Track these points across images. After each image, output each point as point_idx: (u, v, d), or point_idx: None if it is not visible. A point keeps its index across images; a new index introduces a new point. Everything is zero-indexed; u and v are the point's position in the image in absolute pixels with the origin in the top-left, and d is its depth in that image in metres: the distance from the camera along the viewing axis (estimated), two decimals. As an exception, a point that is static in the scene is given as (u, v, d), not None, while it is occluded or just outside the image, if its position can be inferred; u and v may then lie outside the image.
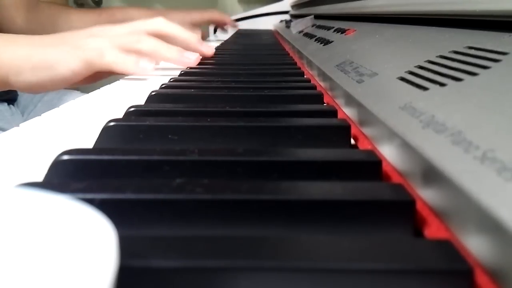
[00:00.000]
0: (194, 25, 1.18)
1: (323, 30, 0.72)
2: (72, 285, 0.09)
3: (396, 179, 0.21)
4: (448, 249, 0.14)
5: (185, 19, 1.18)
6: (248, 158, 0.21)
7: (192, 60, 0.57)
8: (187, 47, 0.61)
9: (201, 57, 0.61)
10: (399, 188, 0.18)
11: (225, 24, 1.39)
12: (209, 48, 0.65)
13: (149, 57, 0.54)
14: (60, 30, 0.63)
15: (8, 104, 0.93)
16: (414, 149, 0.19)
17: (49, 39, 0.54)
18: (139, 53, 0.54)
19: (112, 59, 0.51)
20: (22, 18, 0.97)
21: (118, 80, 0.53)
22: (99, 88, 0.47)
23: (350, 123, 0.28)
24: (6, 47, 0.51)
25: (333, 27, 0.67)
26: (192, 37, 0.62)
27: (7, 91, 0.91)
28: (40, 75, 0.51)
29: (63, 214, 0.12)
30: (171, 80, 0.47)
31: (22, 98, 0.98)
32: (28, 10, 0.99)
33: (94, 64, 0.51)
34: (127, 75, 0.54)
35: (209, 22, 1.36)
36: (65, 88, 1.06)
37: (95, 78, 0.57)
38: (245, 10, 1.95)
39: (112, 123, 0.27)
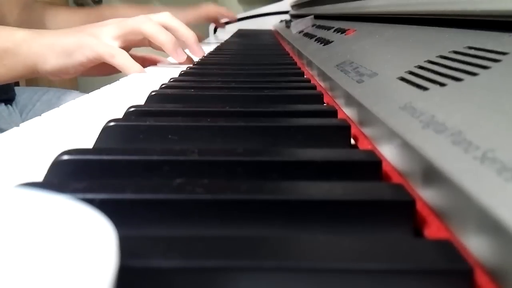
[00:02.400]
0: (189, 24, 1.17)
1: (323, 30, 0.72)
2: (72, 285, 0.09)
3: (396, 179, 0.21)
4: (448, 249, 0.14)
5: (179, 18, 1.16)
6: (248, 158, 0.21)
7: (180, 57, 0.63)
8: (184, 43, 0.67)
9: (190, 59, 0.66)
10: (399, 188, 0.18)
11: (221, 20, 1.34)
12: (202, 51, 0.70)
13: (148, 38, 0.63)
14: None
15: (6, 104, 0.93)
16: (414, 149, 0.19)
17: (72, 30, 0.63)
18: (139, 34, 0.62)
19: (120, 63, 0.59)
20: (15, 17, 0.97)
21: (118, 80, 0.53)
22: (99, 88, 0.47)
23: (350, 123, 0.28)
24: (34, 39, 0.60)
25: (333, 27, 0.67)
26: (191, 36, 0.67)
27: (5, 91, 0.92)
28: (62, 61, 0.60)
29: (63, 214, 0.12)
30: (171, 80, 0.47)
31: (21, 97, 0.98)
32: (22, 9, 0.99)
33: (104, 59, 0.59)
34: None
35: (205, 19, 1.31)
36: (64, 88, 1.06)
37: (107, 70, 0.65)
38: (245, 10, 1.96)
39: (112, 123, 0.27)
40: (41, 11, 1.05)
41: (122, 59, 0.59)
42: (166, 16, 0.65)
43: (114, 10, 1.15)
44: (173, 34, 0.63)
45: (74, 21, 1.05)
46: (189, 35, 0.66)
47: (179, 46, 0.63)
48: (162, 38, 0.61)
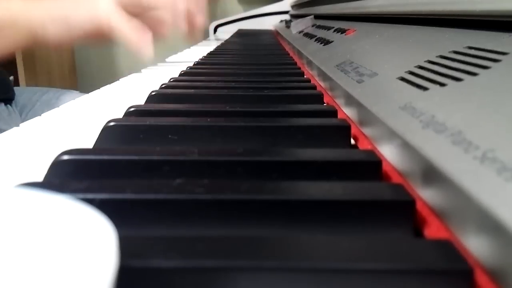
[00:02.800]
0: None
1: (323, 30, 0.72)
2: (72, 285, 0.09)
3: (396, 179, 0.21)
4: (448, 249, 0.14)
5: None
6: (248, 158, 0.21)
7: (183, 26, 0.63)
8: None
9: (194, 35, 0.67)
10: (399, 188, 0.18)
11: None
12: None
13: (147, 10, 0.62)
14: None
15: (5, 104, 0.93)
16: (414, 149, 0.19)
17: None
18: (139, 7, 0.61)
19: (116, 25, 0.58)
20: None
21: (118, 80, 0.53)
22: (99, 88, 0.47)
23: (350, 123, 0.28)
24: (31, 7, 0.59)
25: (333, 27, 0.67)
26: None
27: (4, 90, 0.92)
28: (60, 28, 0.59)
29: (63, 214, 0.12)
30: (171, 80, 0.47)
31: (21, 97, 0.98)
32: None
33: (101, 24, 0.58)
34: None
35: None
36: (64, 88, 1.06)
37: (104, 38, 0.63)
38: (245, 10, 1.96)
39: (112, 123, 0.27)
40: None
41: (118, 23, 0.57)
42: None
43: None
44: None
45: None
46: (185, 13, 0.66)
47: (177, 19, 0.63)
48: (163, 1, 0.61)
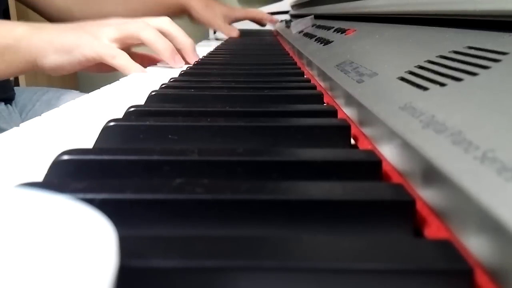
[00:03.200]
0: (235, 21, 1.36)
1: (323, 30, 0.72)
2: (72, 285, 0.09)
3: (396, 179, 0.21)
4: (448, 249, 0.14)
5: (234, 14, 1.35)
6: (248, 158, 0.21)
7: (178, 64, 0.64)
8: (181, 50, 0.68)
9: (186, 65, 0.67)
10: (399, 188, 0.18)
11: (263, 20, 1.48)
12: (196, 58, 0.71)
13: (145, 45, 0.64)
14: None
15: (6, 103, 0.93)
16: (414, 149, 0.19)
17: (71, 26, 0.63)
18: (138, 40, 0.63)
19: (120, 64, 0.59)
20: (79, 9, 0.98)
21: (118, 80, 0.53)
22: (99, 88, 0.47)
23: (350, 123, 0.28)
24: (34, 34, 0.60)
25: (333, 27, 0.67)
26: (189, 43, 0.68)
27: (4, 90, 0.92)
28: (61, 58, 0.60)
29: (63, 214, 0.12)
30: (171, 80, 0.47)
31: (21, 97, 0.97)
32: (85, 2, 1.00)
33: (104, 60, 0.59)
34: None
35: (250, 19, 1.47)
36: (64, 88, 1.06)
37: (105, 69, 0.65)
38: (245, 10, 1.95)
39: (112, 123, 0.27)
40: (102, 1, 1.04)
41: (122, 60, 0.59)
42: (165, 22, 0.66)
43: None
44: (171, 40, 0.64)
45: (132, 2, 1.05)
46: (187, 42, 0.67)
47: (176, 53, 0.64)
48: (160, 45, 0.62)
